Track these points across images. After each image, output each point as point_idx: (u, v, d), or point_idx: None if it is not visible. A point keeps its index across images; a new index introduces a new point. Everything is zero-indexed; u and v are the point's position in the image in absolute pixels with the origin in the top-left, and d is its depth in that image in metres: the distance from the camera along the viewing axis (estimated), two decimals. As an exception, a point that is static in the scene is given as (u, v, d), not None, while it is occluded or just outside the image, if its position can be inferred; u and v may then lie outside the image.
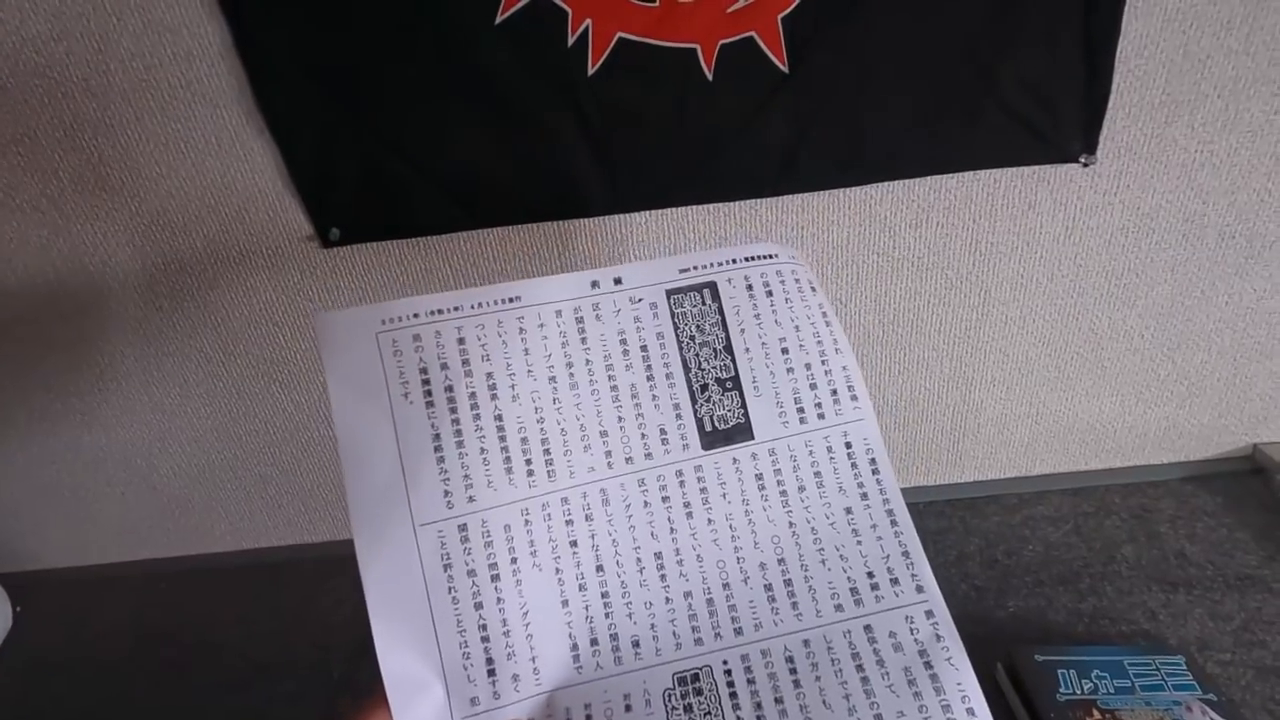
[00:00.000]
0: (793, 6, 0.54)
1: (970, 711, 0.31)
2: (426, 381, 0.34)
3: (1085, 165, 0.61)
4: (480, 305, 0.35)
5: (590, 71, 0.56)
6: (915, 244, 0.65)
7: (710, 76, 0.57)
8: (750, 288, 0.37)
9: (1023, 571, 0.67)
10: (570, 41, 0.55)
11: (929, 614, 0.33)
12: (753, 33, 0.55)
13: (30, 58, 0.57)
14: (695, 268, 0.37)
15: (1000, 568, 0.68)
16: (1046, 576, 0.66)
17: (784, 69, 0.57)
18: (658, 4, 0.54)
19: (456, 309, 0.35)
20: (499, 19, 0.54)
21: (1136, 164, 0.61)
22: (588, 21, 0.55)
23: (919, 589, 0.34)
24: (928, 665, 0.32)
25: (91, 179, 0.62)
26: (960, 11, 0.55)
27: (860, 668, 0.32)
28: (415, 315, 0.35)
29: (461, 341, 0.34)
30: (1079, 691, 0.53)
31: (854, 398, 0.36)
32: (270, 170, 0.62)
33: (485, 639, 0.31)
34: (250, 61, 0.57)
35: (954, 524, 0.73)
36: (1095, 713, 0.51)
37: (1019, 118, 0.58)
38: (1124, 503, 0.73)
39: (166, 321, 0.69)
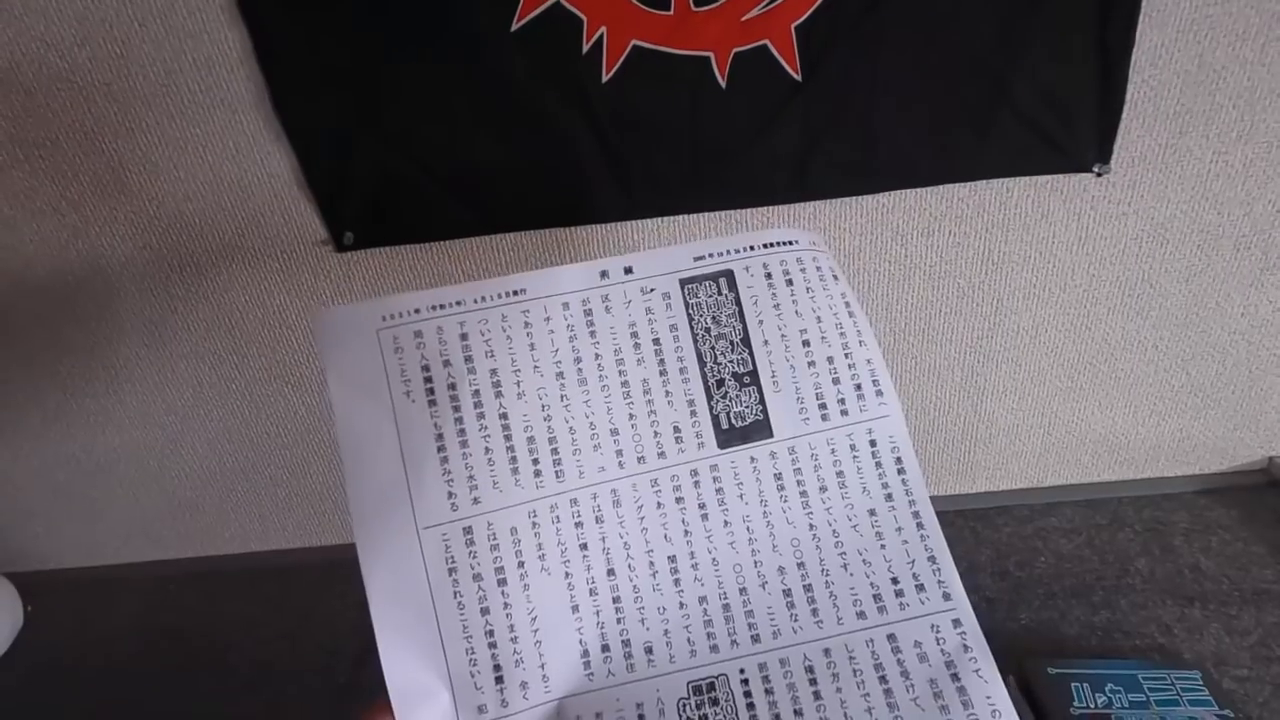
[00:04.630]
0: (806, 15, 0.55)
1: None
2: (429, 379, 0.33)
3: (1099, 175, 0.60)
4: (483, 299, 0.34)
5: (604, 79, 0.57)
6: (927, 253, 0.65)
7: (723, 84, 0.57)
8: (769, 276, 0.35)
9: (1035, 583, 0.66)
10: (585, 49, 0.56)
11: (956, 623, 0.31)
12: (766, 41, 0.56)
13: (54, 62, 0.57)
14: (710, 255, 0.35)
15: (1012, 579, 0.67)
16: (1059, 589, 0.66)
17: (797, 77, 0.57)
18: (672, 12, 0.54)
19: (459, 303, 0.34)
20: (515, 26, 0.55)
21: (1151, 174, 0.61)
22: (602, 29, 0.55)
23: (946, 596, 0.32)
24: (955, 677, 0.30)
25: (111, 182, 0.63)
26: (974, 20, 0.55)
27: (884, 679, 0.30)
28: (416, 310, 0.33)
29: (464, 337, 0.33)
30: (1093, 705, 0.52)
31: (879, 393, 0.34)
32: (286, 175, 0.62)
33: (492, 645, 0.30)
34: (268, 68, 0.58)
35: (964, 535, 0.73)
36: (1109, 727, 0.51)
37: (1033, 126, 0.58)
38: (1137, 515, 0.73)
39: (181, 324, 0.70)
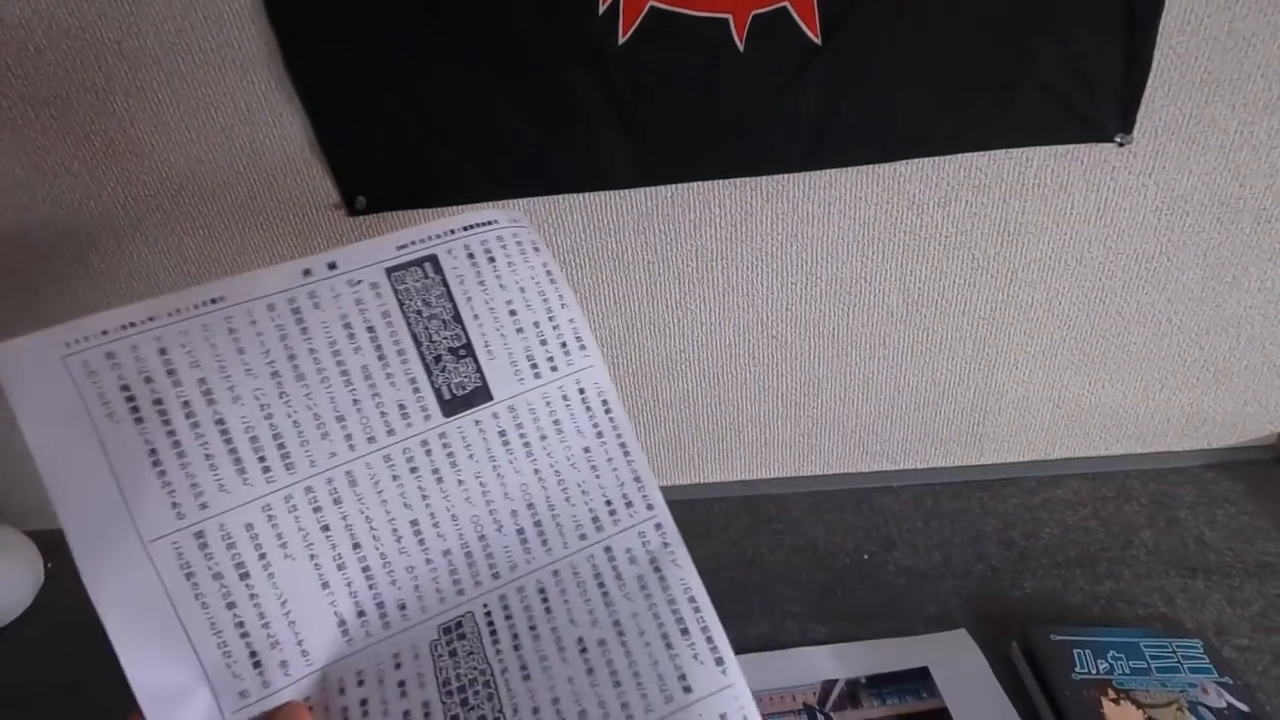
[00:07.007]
0: (828, -23, 0.53)
1: (692, 600, 0.35)
2: (131, 398, 0.32)
3: (1121, 145, 0.60)
4: (178, 311, 0.34)
5: (620, 41, 0.56)
6: (943, 222, 0.65)
7: (741, 47, 0.56)
8: (471, 256, 0.38)
9: (1040, 554, 0.67)
10: (601, 10, 0.55)
11: (658, 526, 0.37)
12: (786, 3, 0.55)
13: (63, 19, 0.57)
14: (413, 243, 0.37)
15: (1017, 549, 0.68)
16: (1064, 559, 0.66)
17: (816, 41, 0.56)
18: (691, -28, 0.53)
19: (151, 319, 0.33)
20: (530, -14, 0.54)
21: (1173, 144, 0.60)
22: (619, -11, 0.54)
23: (649, 507, 0.37)
24: (656, 570, 0.35)
25: (123, 142, 0.62)
26: (999, -16, 0.53)
27: (602, 584, 0.35)
28: (104, 333, 0.33)
29: (164, 352, 0.33)
30: (1094, 671, 0.53)
31: (583, 348, 0.38)
32: (298, 137, 0.62)
33: (244, 635, 0.31)
34: (280, 26, 0.57)
35: (971, 505, 0.73)
36: (1110, 692, 0.52)
37: (1055, 95, 0.57)
38: (1144, 488, 0.73)
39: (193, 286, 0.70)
